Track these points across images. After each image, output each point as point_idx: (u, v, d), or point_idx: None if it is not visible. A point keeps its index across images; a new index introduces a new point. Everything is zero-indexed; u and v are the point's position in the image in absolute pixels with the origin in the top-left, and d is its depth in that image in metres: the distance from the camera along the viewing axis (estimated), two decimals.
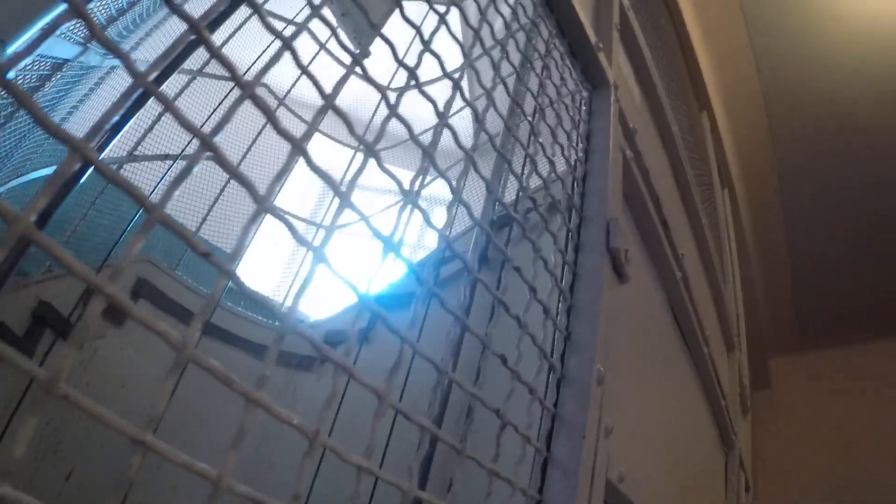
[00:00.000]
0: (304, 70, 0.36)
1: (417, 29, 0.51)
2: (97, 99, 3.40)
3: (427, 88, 0.53)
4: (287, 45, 0.33)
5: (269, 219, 0.37)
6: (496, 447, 0.54)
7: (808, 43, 3.43)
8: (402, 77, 4.81)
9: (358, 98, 4.98)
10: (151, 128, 3.68)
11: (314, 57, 4.46)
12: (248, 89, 0.30)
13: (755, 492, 3.94)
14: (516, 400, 0.59)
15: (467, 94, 0.63)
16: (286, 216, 0.38)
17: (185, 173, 0.27)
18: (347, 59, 0.44)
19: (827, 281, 4.66)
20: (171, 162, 3.69)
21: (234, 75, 0.30)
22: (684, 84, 2.93)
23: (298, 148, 0.33)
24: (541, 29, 0.95)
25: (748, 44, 3.49)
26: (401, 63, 0.48)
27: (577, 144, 0.98)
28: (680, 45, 2.98)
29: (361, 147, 0.43)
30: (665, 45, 2.52)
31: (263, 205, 0.31)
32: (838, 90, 3.62)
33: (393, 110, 0.45)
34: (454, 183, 0.54)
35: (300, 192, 5.10)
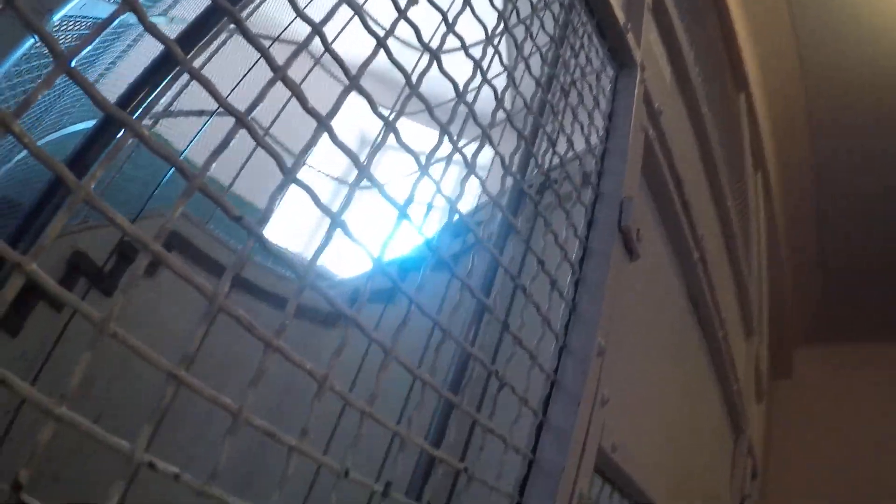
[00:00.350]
0: (333, 54, 0.39)
1: (444, 13, 0.54)
2: (133, 56, 3.46)
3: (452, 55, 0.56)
4: (317, 30, 0.36)
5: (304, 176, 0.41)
6: (492, 406, 0.58)
7: (852, 27, 3.33)
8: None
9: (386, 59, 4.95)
10: (180, 93, 3.74)
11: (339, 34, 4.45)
12: (279, 72, 0.34)
13: (768, 480, 3.95)
14: (518, 366, 0.63)
15: (497, 63, 0.65)
16: (319, 173, 0.42)
17: (221, 147, 0.31)
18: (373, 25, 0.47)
19: (858, 273, 4.57)
20: (201, 126, 3.77)
21: (267, 60, 0.34)
22: (721, 64, 2.88)
23: (324, 125, 0.37)
24: (569, 7, 0.96)
25: (790, 24, 3.40)
26: (426, 46, 0.51)
27: (598, 123, 1.00)
28: (720, 23, 2.92)
29: (395, 111, 0.46)
30: (704, 23, 2.48)
31: (289, 177, 0.34)
32: (882, 83, 3.51)
33: (414, 90, 0.49)
34: (469, 158, 0.57)
35: (333, 150, 5.14)
